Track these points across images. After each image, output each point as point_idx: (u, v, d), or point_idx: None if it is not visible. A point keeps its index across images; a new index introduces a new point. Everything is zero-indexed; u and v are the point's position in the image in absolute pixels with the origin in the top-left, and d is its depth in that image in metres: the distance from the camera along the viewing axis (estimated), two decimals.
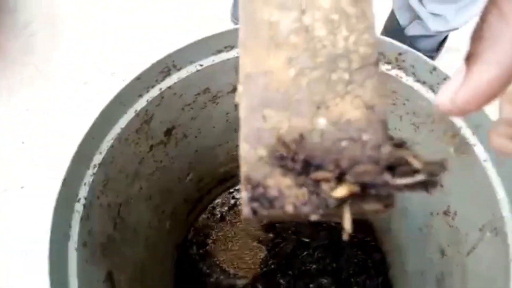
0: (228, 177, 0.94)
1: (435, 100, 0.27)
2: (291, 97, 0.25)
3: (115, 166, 0.56)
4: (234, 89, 0.64)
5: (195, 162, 0.76)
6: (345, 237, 0.24)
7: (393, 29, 0.91)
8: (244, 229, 0.98)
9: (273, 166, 0.24)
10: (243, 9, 0.26)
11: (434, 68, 0.47)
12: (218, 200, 1.00)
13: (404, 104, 0.54)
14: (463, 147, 0.50)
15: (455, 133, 0.50)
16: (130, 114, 0.54)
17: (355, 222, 0.24)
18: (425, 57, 0.47)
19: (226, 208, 1.01)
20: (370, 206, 0.24)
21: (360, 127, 0.24)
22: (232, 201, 1.00)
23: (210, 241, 0.98)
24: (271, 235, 0.97)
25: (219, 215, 1.00)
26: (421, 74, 0.49)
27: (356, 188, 0.23)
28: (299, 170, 0.24)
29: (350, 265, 0.92)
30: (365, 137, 0.24)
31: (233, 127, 0.73)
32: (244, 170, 0.24)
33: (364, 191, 0.23)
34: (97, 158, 0.52)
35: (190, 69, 0.57)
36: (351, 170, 0.23)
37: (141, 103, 0.54)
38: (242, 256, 0.97)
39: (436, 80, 0.49)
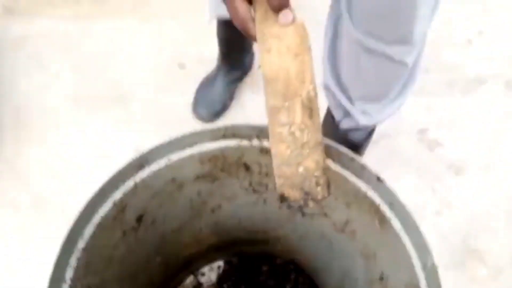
0: (193, 260, 1.07)
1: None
2: (289, 162, 0.56)
3: (94, 251, 0.69)
4: (197, 177, 0.80)
5: (162, 245, 0.90)
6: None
7: (329, 123, 1.14)
8: None
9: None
10: (270, 131, 0.56)
11: (352, 159, 0.66)
12: (185, 283, 1.12)
13: (335, 187, 0.71)
14: (384, 220, 0.67)
15: (376, 208, 0.67)
16: (108, 204, 0.69)
17: None
18: (345, 150, 0.66)
19: None
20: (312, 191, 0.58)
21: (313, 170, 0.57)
22: (197, 283, 1.12)
23: None
24: None
25: None
26: (345, 162, 0.68)
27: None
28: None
29: None
30: (316, 173, 0.57)
31: (196, 211, 0.88)
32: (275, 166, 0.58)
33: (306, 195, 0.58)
34: (81, 244, 0.66)
35: (160, 163, 0.73)
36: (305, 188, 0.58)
37: (118, 194, 0.69)
38: None
39: (356, 166, 0.67)
